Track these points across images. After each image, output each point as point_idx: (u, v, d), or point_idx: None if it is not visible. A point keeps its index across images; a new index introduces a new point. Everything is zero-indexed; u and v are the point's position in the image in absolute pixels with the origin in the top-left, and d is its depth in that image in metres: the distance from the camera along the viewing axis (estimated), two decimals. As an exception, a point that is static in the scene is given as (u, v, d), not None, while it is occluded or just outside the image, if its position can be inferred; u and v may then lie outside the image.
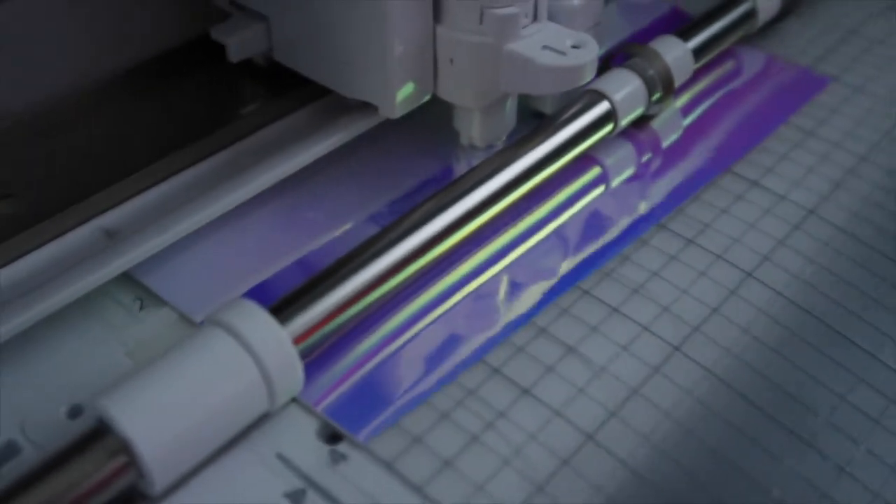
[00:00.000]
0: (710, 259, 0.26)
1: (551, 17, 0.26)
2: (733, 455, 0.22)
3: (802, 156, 0.30)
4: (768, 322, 0.25)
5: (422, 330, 0.24)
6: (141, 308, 0.24)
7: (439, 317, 0.24)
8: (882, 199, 0.28)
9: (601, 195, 0.28)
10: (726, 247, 0.26)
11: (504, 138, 0.28)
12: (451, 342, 0.23)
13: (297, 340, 0.21)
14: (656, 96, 0.29)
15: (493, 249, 0.26)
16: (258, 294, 0.23)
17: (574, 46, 0.24)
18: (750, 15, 0.32)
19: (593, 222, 0.27)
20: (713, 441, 0.22)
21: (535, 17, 0.25)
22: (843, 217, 0.28)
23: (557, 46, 0.24)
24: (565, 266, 0.25)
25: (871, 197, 0.28)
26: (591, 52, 0.24)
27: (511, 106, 0.27)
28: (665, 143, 0.30)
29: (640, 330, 0.24)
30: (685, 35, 0.30)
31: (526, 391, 0.22)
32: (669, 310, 0.24)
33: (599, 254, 0.26)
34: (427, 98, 0.26)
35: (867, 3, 0.36)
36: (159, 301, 0.24)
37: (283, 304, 0.21)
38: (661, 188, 0.28)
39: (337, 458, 0.21)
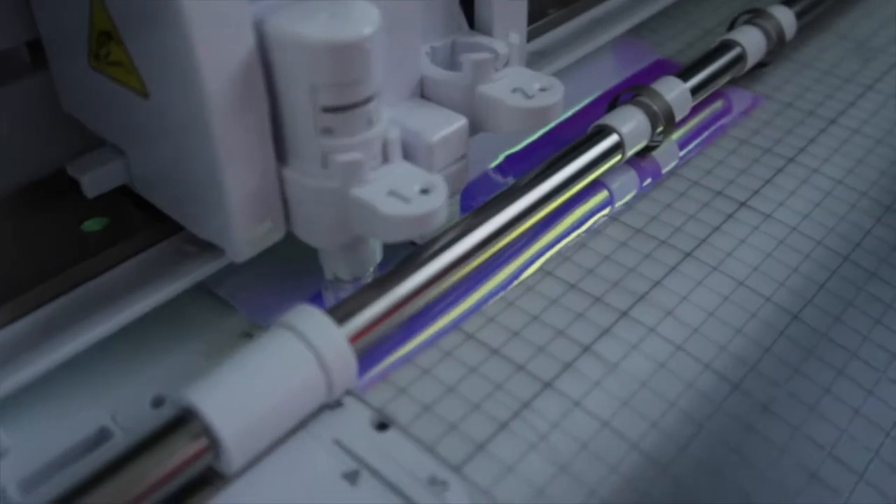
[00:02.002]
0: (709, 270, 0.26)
1: (410, 155, 0.23)
2: (734, 440, 0.22)
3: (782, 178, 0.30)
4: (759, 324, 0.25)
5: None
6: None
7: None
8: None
9: (605, 215, 0.29)
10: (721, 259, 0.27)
11: (372, 270, 0.25)
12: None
13: (352, 340, 0.21)
14: (659, 130, 0.29)
15: (516, 265, 0.26)
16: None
17: (423, 191, 0.21)
18: (739, 59, 0.33)
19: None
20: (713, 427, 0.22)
21: (386, 159, 0.22)
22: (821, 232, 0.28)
23: (404, 192, 0.21)
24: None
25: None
26: (439, 197, 0.21)
27: (374, 240, 0.24)
28: (664, 171, 0.30)
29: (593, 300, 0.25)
30: (684, 76, 0.31)
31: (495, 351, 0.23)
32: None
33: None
34: (279, 237, 0.23)
35: (837, 49, 0.37)
36: (230, 308, 0.24)
37: (340, 308, 0.22)
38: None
39: (386, 443, 0.21)
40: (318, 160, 0.21)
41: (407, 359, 0.23)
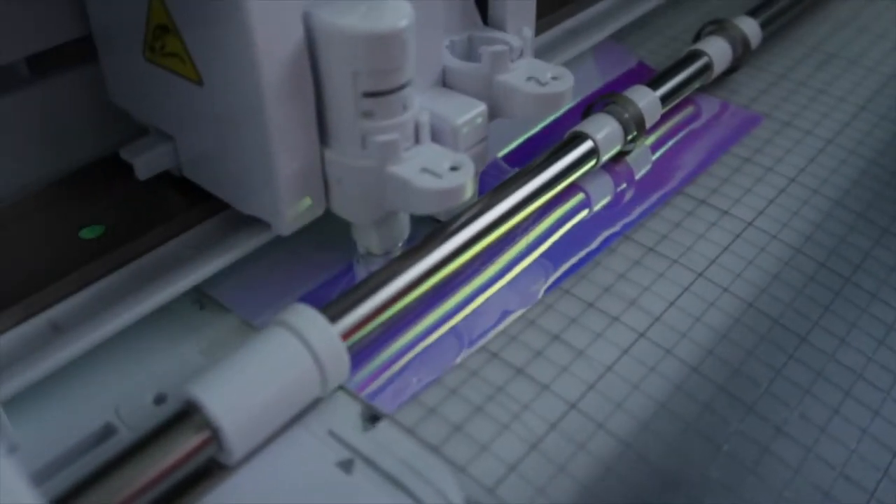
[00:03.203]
0: (668, 263, 0.28)
1: (437, 137, 0.25)
2: (719, 438, 0.24)
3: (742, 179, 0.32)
4: (717, 313, 0.27)
5: (445, 334, 0.25)
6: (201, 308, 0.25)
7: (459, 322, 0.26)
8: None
9: (583, 218, 0.30)
10: (681, 253, 0.28)
11: (401, 244, 0.27)
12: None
13: (344, 336, 0.22)
14: (631, 136, 0.31)
15: (501, 265, 0.28)
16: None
17: (452, 168, 0.23)
18: (706, 68, 0.34)
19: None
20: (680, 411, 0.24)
21: (418, 140, 0.24)
22: (776, 228, 0.30)
23: (435, 169, 0.23)
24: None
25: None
26: (468, 172, 0.23)
27: (403, 217, 0.26)
28: (638, 175, 0.32)
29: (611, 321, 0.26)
30: (654, 85, 0.33)
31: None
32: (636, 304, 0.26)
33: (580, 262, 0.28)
34: (319, 214, 0.25)
35: (798, 56, 0.39)
36: (224, 309, 0.26)
37: (332, 307, 0.23)
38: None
39: (377, 434, 0.22)
40: (357, 141, 0.23)
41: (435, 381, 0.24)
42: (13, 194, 0.26)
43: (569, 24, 0.36)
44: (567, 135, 0.30)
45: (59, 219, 0.26)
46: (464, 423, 0.23)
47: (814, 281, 0.28)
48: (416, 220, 0.27)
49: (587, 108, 0.32)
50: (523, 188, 0.28)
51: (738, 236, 0.29)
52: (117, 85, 0.26)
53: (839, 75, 0.38)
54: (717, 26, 0.36)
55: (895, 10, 0.43)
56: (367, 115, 0.23)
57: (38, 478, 0.21)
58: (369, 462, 0.22)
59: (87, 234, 0.25)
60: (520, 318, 0.26)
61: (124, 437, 0.22)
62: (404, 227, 0.27)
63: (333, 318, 0.22)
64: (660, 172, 0.32)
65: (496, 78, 0.26)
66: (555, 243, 0.29)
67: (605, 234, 0.29)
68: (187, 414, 0.20)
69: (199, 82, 0.23)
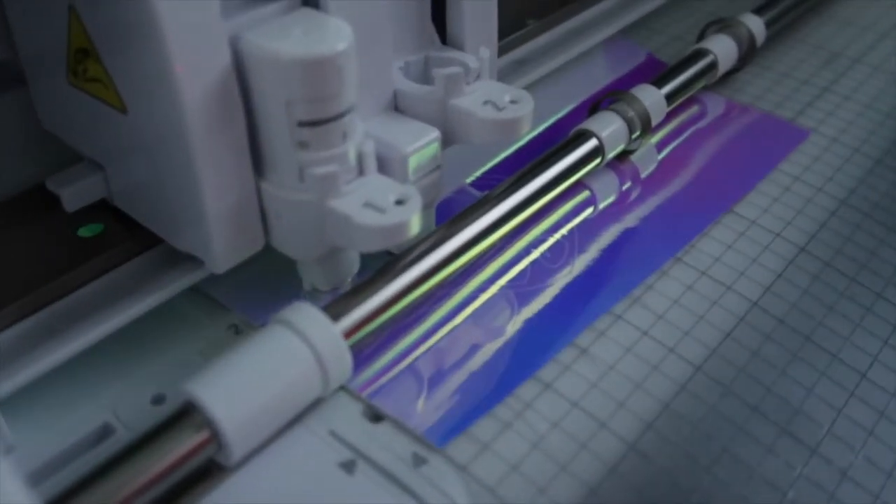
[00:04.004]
0: (698, 275, 0.28)
1: (385, 167, 0.23)
2: (718, 435, 0.23)
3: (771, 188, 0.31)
4: (721, 311, 0.26)
5: (445, 335, 0.25)
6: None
7: (459, 324, 0.25)
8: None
9: (589, 216, 0.30)
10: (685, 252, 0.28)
11: (349, 280, 0.25)
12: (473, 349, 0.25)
13: (346, 335, 0.22)
14: (636, 134, 0.31)
15: (504, 260, 0.27)
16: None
17: (398, 202, 0.21)
18: (712, 66, 0.34)
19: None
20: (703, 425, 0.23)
21: (362, 172, 0.22)
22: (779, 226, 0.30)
23: (379, 203, 0.21)
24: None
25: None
26: (414, 207, 0.21)
27: (351, 252, 0.25)
28: (643, 174, 0.32)
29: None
30: (659, 83, 0.32)
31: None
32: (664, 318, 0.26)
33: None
34: (258, 249, 0.23)
35: (803, 55, 0.39)
36: (224, 309, 0.25)
37: (334, 306, 0.22)
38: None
39: (379, 434, 0.22)
40: (294, 173, 0.21)
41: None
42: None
43: (575, 21, 0.36)
44: (572, 132, 0.30)
45: (57, 217, 0.25)
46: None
47: (818, 280, 0.28)
48: (367, 255, 0.26)
49: (593, 106, 0.32)
50: (529, 185, 0.28)
51: (742, 234, 0.29)
52: (46, 110, 0.25)
53: (844, 73, 0.38)
54: (723, 24, 0.36)
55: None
56: (304, 145, 0.21)
57: (36, 478, 0.21)
58: (372, 462, 0.21)
59: (85, 232, 0.25)
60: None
61: (122, 437, 0.22)
62: (353, 263, 0.25)
63: (335, 317, 0.22)
64: (666, 172, 0.32)
65: (450, 102, 0.25)
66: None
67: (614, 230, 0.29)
68: (186, 413, 0.20)
69: (123, 109, 0.22)
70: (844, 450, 0.23)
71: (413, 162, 0.24)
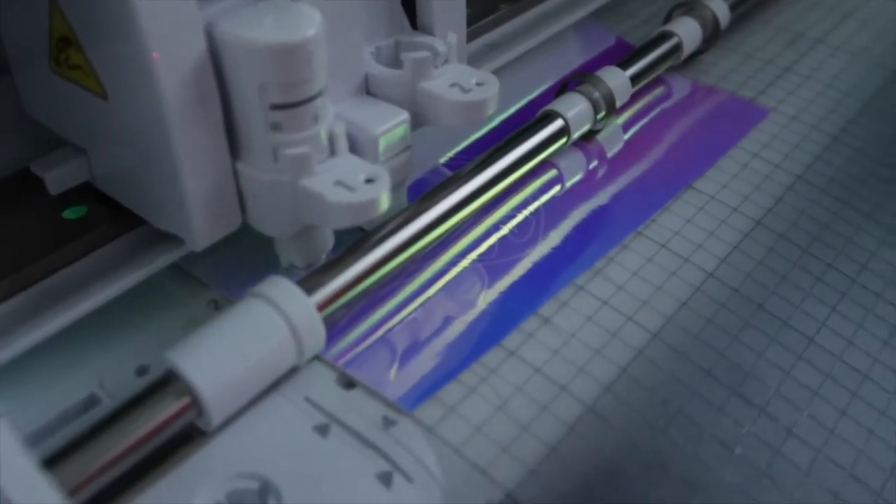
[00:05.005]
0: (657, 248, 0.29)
1: (356, 148, 0.24)
2: (673, 398, 0.25)
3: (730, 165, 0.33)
4: (702, 297, 0.28)
5: (418, 307, 0.26)
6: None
7: (431, 297, 0.27)
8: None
9: (556, 194, 0.31)
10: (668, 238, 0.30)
11: (324, 257, 0.26)
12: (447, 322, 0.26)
13: (320, 307, 0.23)
14: (601, 115, 0.32)
15: (474, 235, 0.29)
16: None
17: (367, 180, 0.23)
18: (676, 48, 0.35)
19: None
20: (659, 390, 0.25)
21: (333, 152, 0.23)
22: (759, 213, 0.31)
23: (349, 182, 0.22)
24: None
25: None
26: (383, 185, 0.23)
27: (325, 229, 0.26)
28: (609, 153, 0.33)
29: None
30: (624, 65, 0.34)
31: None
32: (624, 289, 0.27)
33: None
34: (235, 228, 0.25)
35: (767, 36, 0.40)
36: (204, 286, 0.27)
37: (308, 279, 0.24)
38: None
39: (352, 399, 0.23)
40: (269, 155, 0.23)
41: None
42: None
43: (546, 5, 0.37)
44: (539, 113, 0.31)
45: (43, 200, 0.27)
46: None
47: (773, 252, 0.30)
48: (341, 232, 0.27)
49: (560, 88, 0.33)
50: (497, 164, 0.29)
51: (700, 209, 0.31)
52: (30, 97, 0.26)
53: (806, 54, 0.39)
54: (688, 7, 0.37)
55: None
56: (276, 127, 0.22)
57: (26, 444, 0.22)
58: (344, 425, 0.23)
59: (69, 214, 0.26)
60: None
61: (108, 406, 0.23)
62: (327, 240, 0.26)
63: (309, 291, 0.24)
64: (632, 151, 0.33)
65: (419, 85, 0.26)
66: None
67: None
68: (168, 381, 0.21)
69: (104, 96, 0.23)
70: (790, 409, 0.25)
71: (383, 143, 0.25)
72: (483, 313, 0.26)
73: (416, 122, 0.26)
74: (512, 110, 0.35)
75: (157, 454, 0.21)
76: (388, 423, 0.23)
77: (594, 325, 0.26)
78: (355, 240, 0.26)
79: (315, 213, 0.23)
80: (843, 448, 0.24)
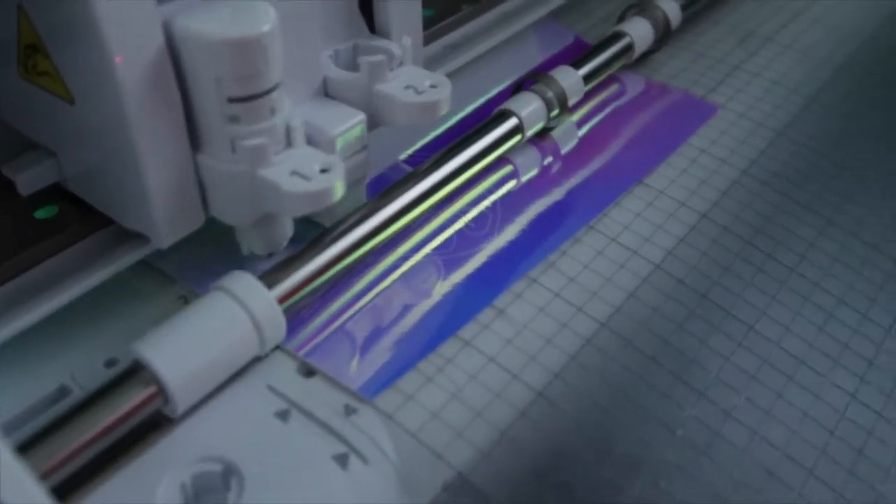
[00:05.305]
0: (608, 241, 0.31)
1: (314, 143, 0.25)
2: (620, 383, 0.26)
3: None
4: (649, 287, 0.29)
5: (372, 299, 0.28)
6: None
7: (385, 289, 0.28)
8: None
9: (511, 189, 0.32)
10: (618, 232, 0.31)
11: (285, 245, 0.28)
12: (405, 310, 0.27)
13: (280, 301, 0.25)
14: (554, 113, 0.33)
15: (432, 228, 0.30)
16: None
17: (323, 170, 0.24)
18: (628, 48, 0.37)
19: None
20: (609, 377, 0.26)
21: (290, 144, 0.24)
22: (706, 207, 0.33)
23: (305, 172, 0.23)
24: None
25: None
26: (338, 174, 0.24)
27: (285, 218, 0.27)
28: (564, 150, 0.34)
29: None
30: (577, 65, 0.35)
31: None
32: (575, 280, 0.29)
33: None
34: (200, 224, 0.26)
35: (718, 35, 0.41)
36: (171, 280, 0.28)
37: (269, 274, 0.25)
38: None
39: (312, 387, 0.25)
40: (227, 146, 0.24)
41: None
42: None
43: (506, 6, 0.39)
44: (495, 112, 0.33)
45: (15, 201, 0.27)
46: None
47: (716, 244, 0.31)
48: (300, 221, 0.28)
49: (516, 87, 0.35)
50: (453, 160, 0.30)
51: (650, 204, 0.32)
52: (1, 101, 0.27)
53: (755, 52, 0.41)
54: (640, 7, 0.38)
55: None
56: (234, 119, 0.23)
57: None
58: (304, 411, 0.24)
59: (41, 214, 0.27)
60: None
61: (78, 397, 0.24)
62: (287, 229, 0.27)
63: (270, 285, 0.25)
64: (586, 147, 0.35)
65: (375, 87, 0.27)
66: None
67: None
68: (135, 371, 0.22)
69: (71, 101, 0.24)
70: (729, 393, 0.27)
71: (340, 143, 0.26)
72: (439, 304, 0.28)
73: (373, 122, 0.28)
74: (471, 108, 0.37)
75: (126, 440, 0.22)
76: (348, 410, 0.24)
77: (546, 316, 0.28)
78: (316, 234, 0.27)
79: (272, 201, 0.24)
80: (778, 429, 0.26)
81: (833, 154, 0.36)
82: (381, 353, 0.26)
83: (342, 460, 0.23)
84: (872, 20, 0.44)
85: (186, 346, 0.23)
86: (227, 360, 0.24)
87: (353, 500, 0.22)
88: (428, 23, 0.37)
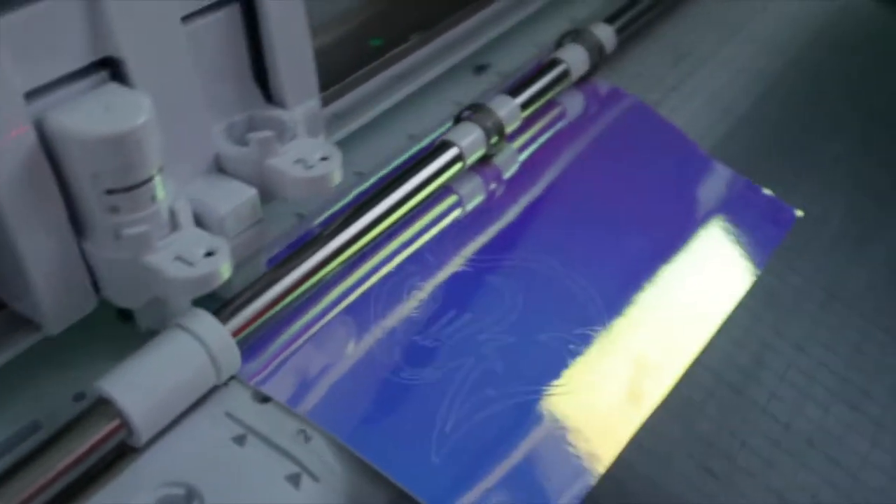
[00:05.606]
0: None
1: (207, 225, 0.26)
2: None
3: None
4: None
5: (318, 331, 0.29)
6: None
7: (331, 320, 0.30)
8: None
9: (457, 217, 0.34)
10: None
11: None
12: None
13: (234, 334, 0.27)
14: (494, 140, 0.36)
15: (375, 262, 0.32)
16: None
17: (208, 254, 0.24)
18: (565, 74, 0.39)
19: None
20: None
21: (176, 227, 0.25)
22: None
23: (189, 257, 0.24)
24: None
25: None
26: (223, 257, 0.24)
27: None
28: (506, 175, 0.37)
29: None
30: (514, 93, 0.37)
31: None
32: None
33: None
34: (90, 309, 0.26)
35: (654, 56, 0.44)
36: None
37: (223, 308, 0.27)
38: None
39: (267, 413, 0.27)
40: (110, 234, 0.24)
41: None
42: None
43: (441, 41, 0.40)
44: (436, 143, 0.35)
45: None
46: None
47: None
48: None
49: (456, 117, 0.37)
50: (396, 192, 0.32)
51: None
52: None
53: (691, 73, 0.43)
54: (575, 34, 0.41)
55: (745, 7, 0.48)
56: (115, 210, 0.23)
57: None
58: (260, 436, 0.26)
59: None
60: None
61: (48, 430, 0.26)
62: (183, 305, 0.27)
63: (225, 319, 0.27)
64: (530, 171, 0.37)
65: (266, 162, 0.27)
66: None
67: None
68: (101, 405, 0.24)
69: None
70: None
71: (230, 220, 0.27)
72: (387, 335, 0.30)
73: (266, 196, 0.28)
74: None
75: (95, 470, 0.24)
76: (302, 434, 0.26)
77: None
78: (268, 271, 0.29)
79: (159, 286, 0.25)
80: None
81: (761, 167, 0.38)
82: (330, 380, 0.28)
83: (295, 480, 0.25)
84: (799, 38, 0.46)
85: (147, 380, 0.25)
86: (186, 391, 0.26)
87: (306, 516, 0.25)
88: (378, 52, 0.40)
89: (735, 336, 0.31)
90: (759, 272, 0.32)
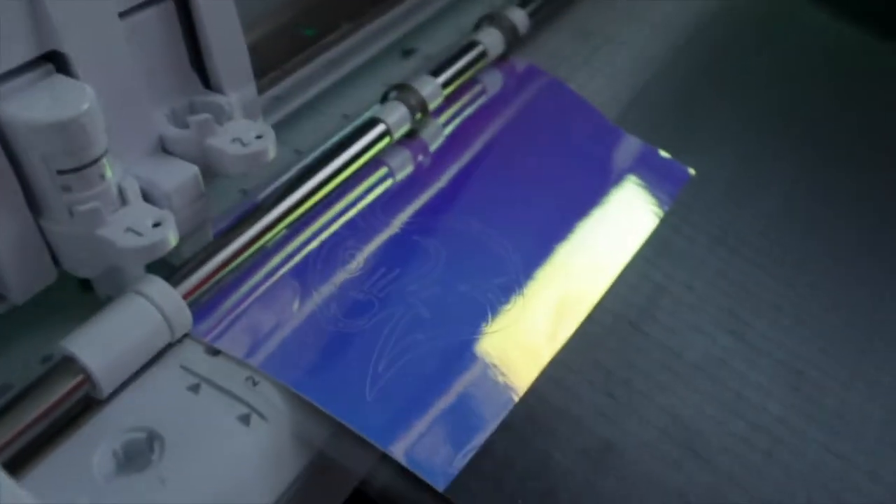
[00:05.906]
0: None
1: (154, 202, 0.28)
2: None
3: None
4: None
5: (264, 292, 0.32)
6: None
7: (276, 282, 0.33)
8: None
9: (388, 187, 0.38)
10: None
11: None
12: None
13: (185, 296, 0.30)
14: (418, 117, 0.39)
15: (311, 231, 0.35)
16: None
17: (155, 224, 0.26)
18: (482, 55, 0.43)
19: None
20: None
21: (125, 202, 0.27)
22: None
23: (138, 228, 0.26)
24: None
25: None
26: (169, 226, 0.27)
27: None
28: (432, 148, 0.40)
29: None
30: (436, 73, 0.40)
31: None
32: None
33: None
34: (52, 280, 0.28)
35: (565, 36, 0.48)
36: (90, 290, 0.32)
37: (174, 274, 0.30)
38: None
39: (218, 364, 0.30)
40: (65, 211, 0.26)
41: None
42: None
43: (370, 28, 0.43)
44: (363, 119, 0.38)
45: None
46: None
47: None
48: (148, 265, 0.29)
49: (384, 95, 0.40)
50: (330, 165, 0.35)
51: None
52: None
53: (597, 50, 0.47)
54: (491, 18, 0.44)
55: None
56: (67, 189, 0.26)
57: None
58: (212, 384, 0.29)
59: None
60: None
61: (18, 389, 0.29)
62: (137, 271, 0.29)
63: (176, 283, 0.30)
64: (453, 143, 0.40)
65: (205, 142, 0.29)
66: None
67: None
68: (66, 363, 0.27)
69: None
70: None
71: (175, 196, 0.29)
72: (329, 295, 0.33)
73: (208, 173, 0.30)
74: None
75: (61, 421, 0.27)
76: (250, 381, 0.29)
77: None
78: (215, 237, 0.32)
79: (112, 256, 0.27)
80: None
81: (662, 133, 0.42)
82: (276, 333, 0.31)
83: (245, 419, 0.28)
84: (696, 20, 0.50)
85: (106, 338, 0.28)
86: (143, 347, 0.29)
87: (256, 451, 0.28)
88: (312, 41, 0.42)
89: (632, 281, 0.34)
90: (655, 224, 0.36)
